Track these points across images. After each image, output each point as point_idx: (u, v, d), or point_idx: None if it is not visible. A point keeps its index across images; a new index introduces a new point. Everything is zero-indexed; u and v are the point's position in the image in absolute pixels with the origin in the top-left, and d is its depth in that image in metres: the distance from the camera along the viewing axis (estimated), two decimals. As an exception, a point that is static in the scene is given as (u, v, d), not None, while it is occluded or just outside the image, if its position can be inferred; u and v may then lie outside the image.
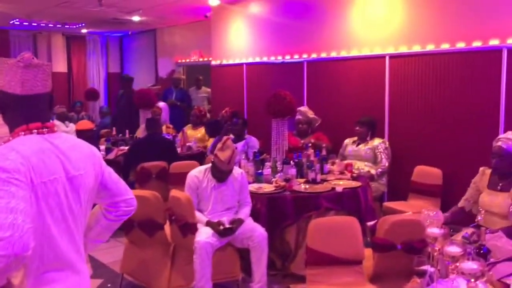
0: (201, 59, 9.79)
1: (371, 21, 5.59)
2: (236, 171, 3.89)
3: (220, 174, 3.72)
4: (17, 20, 9.55)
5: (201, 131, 7.23)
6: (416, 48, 5.14)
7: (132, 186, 5.23)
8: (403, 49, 5.26)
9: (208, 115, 8.10)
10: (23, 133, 1.58)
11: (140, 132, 6.80)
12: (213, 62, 8.22)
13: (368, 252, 3.12)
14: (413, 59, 5.20)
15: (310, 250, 2.96)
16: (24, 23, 9.99)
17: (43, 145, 1.56)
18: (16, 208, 1.36)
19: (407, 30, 5.23)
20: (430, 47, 5.01)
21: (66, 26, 10.66)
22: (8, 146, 1.52)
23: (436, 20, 4.98)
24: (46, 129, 1.61)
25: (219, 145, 3.71)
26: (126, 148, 6.11)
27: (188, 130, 7.16)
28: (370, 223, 3.31)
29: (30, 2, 7.76)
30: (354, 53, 5.77)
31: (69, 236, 1.61)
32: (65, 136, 1.68)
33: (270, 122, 4.97)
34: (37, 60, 1.63)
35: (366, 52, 5.63)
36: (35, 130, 1.59)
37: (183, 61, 10.49)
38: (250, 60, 7.39)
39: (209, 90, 9.66)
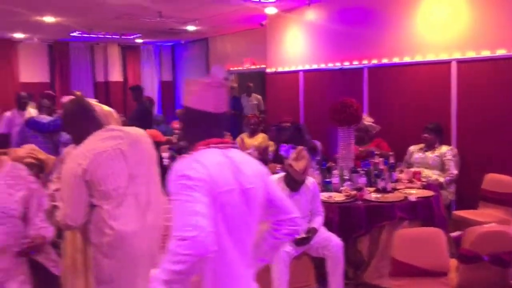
0: (253, 67, 9.89)
1: (436, 25, 5.48)
2: (308, 180, 3.90)
3: (294, 184, 3.74)
4: (77, 32, 9.94)
5: (257, 139, 7.28)
6: (486, 53, 5.00)
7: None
8: (471, 54, 5.13)
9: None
10: (203, 147, 1.70)
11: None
12: (268, 70, 8.28)
13: (452, 263, 3.06)
14: (482, 64, 5.06)
15: (395, 261, 2.94)
16: (84, 35, 10.39)
17: (220, 158, 1.68)
18: (200, 212, 1.46)
19: (475, 33, 5.10)
20: (501, 52, 4.87)
21: (122, 37, 11.01)
22: (192, 157, 1.65)
23: (506, 22, 4.84)
24: (223, 144, 1.73)
25: (293, 155, 3.73)
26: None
27: (245, 138, 7.22)
28: (454, 234, 3.25)
29: (92, 16, 8.06)
30: (418, 58, 5.67)
31: (241, 247, 1.67)
32: (237, 151, 1.80)
33: (327, 130, 4.94)
34: (223, 81, 1.78)
35: (431, 57, 5.52)
36: (215, 145, 1.71)
37: (235, 68, 10.62)
38: (307, 67, 7.40)
39: (259, 97, 9.73)
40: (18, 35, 10.32)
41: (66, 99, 3.22)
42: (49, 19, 8.11)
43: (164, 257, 1.45)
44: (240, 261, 1.67)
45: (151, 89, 12.81)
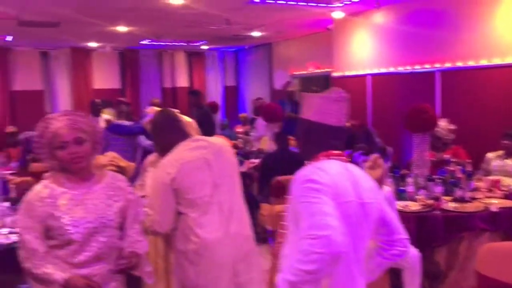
0: (317, 71, 9.84)
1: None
2: (384, 188, 3.82)
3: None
4: (147, 40, 10.32)
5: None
6: None
7: (266, 200, 5.38)
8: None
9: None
10: (324, 158, 1.74)
11: (266, 145, 6.97)
12: (334, 74, 8.21)
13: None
14: None
15: (481, 276, 2.82)
16: (153, 43, 10.77)
17: (341, 169, 1.70)
18: (330, 213, 1.49)
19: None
20: None
21: (188, 44, 11.30)
22: (316, 166, 1.69)
23: None
24: (343, 158, 1.77)
25: (368, 163, 3.67)
26: (256, 161, 6.29)
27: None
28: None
29: (161, 25, 8.34)
30: (496, 61, 5.42)
31: (357, 257, 1.68)
32: (355, 166, 1.81)
33: (398, 135, 4.83)
34: (344, 94, 1.81)
35: (511, 60, 5.26)
36: (335, 157, 1.74)
37: (298, 73, 10.61)
38: (375, 71, 7.27)
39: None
40: (93, 44, 10.85)
41: (151, 110, 3.37)
42: (121, 28, 8.47)
43: (291, 259, 1.47)
44: (357, 270, 1.68)
45: (215, 94, 13.06)
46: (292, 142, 7.86)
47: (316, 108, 1.79)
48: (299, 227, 1.54)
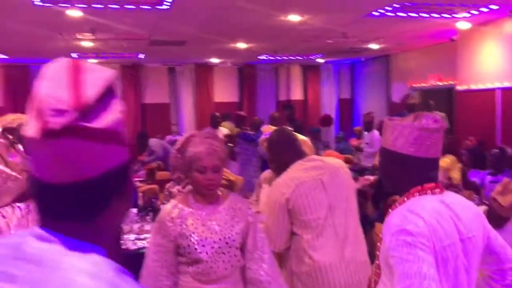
0: (439, 83, 9.32)
1: None
2: (515, 216, 3.49)
3: (498, 220, 3.38)
4: (264, 55, 10.61)
5: (445, 161, 6.80)
6: None
7: (381, 219, 5.20)
8: None
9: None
10: (417, 193, 1.60)
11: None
12: (459, 87, 7.72)
13: None
14: None
15: None
16: (270, 58, 11.05)
17: (438, 206, 1.56)
18: (427, 274, 1.37)
19: None
20: None
21: (304, 58, 11.41)
22: (407, 208, 1.55)
23: None
24: (438, 190, 1.62)
25: (498, 188, 3.38)
26: (371, 177, 6.12)
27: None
28: None
29: (279, 41, 8.52)
30: None
31: None
32: (453, 195, 1.67)
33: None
34: (435, 124, 1.62)
35: None
36: (429, 191, 1.60)
37: (419, 85, 10.14)
38: (506, 84, 6.69)
39: (443, 114, 9.10)
40: (214, 60, 11.44)
41: (267, 128, 3.45)
42: (241, 45, 8.82)
43: None
44: None
45: (329, 107, 12.98)
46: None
47: (403, 138, 1.60)
48: (393, 280, 1.44)
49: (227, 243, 2.10)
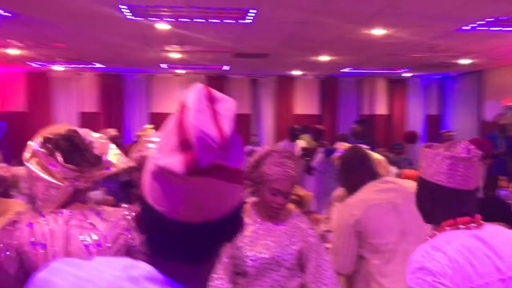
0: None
1: None
2: None
3: None
4: (348, 68, 10.46)
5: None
6: None
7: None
8: None
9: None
10: (448, 227, 1.51)
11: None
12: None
13: None
14: None
15: None
16: (353, 71, 10.86)
17: (470, 243, 1.44)
18: None
19: None
20: None
21: (390, 71, 11.08)
22: (433, 244, 1.46)
23: None
24: (474, 224, 1.50)
25: None
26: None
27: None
28: None
29: (363, 54, 8.35)
30: None
31: None
32: (494, 228, 1.54)
33: None
34: (467, 154, 1.50)
35: None
36: (462, 226, 1.49)
37: (514, 104, 9.45)
38: None
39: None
40: (296, 72, 11.47)
41: (341, 145, 3.39)
42: (324, 58, 8.76)
43: None
44: None
45: (415, 123, 12.47)
46: (503, 183, 7.03)
47: (438, 167, 1.49)
48: None
49: (277, 262, 2.07)
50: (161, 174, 0.75)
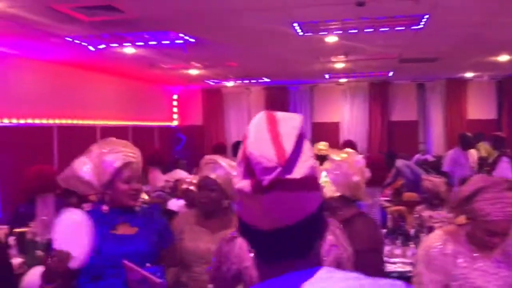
0: None
1: None
2: None
3: None
4: None
5: None
6: None
7: None
8: None
9: None
10: None
11: None
12: None
13: None
14: None
15: None
16: None
17: None
18: None
19: None
20: None
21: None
22: None
23: None
24: None
25: None
26: None
27: None
28: None
29: None
30: None
31: None
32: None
33: None
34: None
35: None
36: None
37: None
38: None
39: None
40: (469, 74, 10.62)
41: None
42: (503, 57, 7.98)
43: None
44: None
45: None
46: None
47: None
48: None
49: None
50: (240, 194, 0.94)
